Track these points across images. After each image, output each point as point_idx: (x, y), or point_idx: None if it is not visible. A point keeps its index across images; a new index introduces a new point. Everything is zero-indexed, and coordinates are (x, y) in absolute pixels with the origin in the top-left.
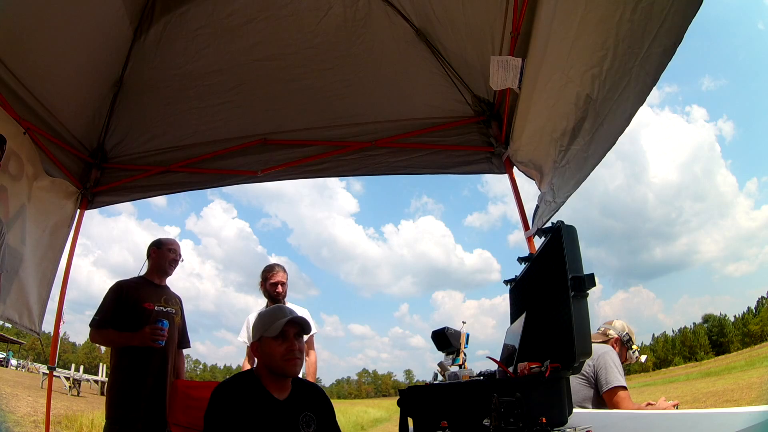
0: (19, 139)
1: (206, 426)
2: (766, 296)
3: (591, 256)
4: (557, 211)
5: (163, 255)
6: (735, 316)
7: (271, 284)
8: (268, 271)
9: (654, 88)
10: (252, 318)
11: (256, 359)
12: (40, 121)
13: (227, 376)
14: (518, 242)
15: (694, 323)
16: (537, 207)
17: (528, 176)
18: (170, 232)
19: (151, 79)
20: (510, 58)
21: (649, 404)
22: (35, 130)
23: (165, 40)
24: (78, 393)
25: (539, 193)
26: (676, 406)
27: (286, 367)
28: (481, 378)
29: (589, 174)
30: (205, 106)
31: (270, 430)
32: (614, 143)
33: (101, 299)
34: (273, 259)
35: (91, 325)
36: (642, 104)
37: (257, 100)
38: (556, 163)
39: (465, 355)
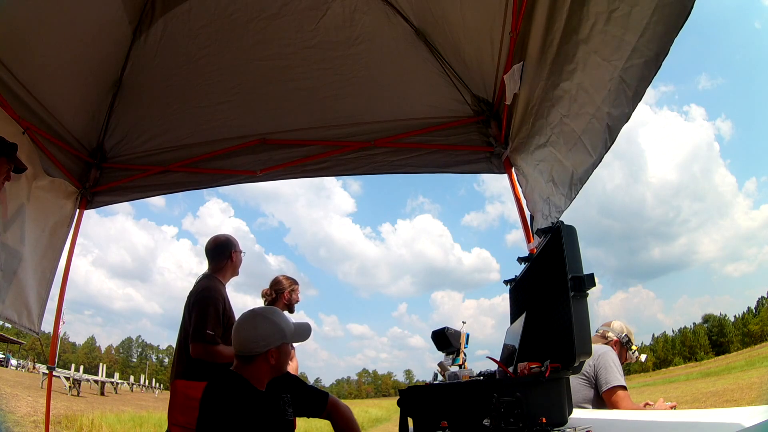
0: (19, 139)
1: (208, 425)
2: (766, 296)
3: (590, 256)
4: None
5: (239, 258)
6: (735, 316)
7: (297, 295)
8: (295, 282)
9: (649, 88)
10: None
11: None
12: (39, 121)
13: None
14: (516, 242)
15: (694, 323)
16: (532, 217)
17: (518, 180)
18: (167, 232)
19: (150, 78)
20: (515, 67)
21: (647, 404)
22: (34, 130)
23: (165, 40)
24: (78, 393)
25: (529, 201)
26: (673, 408)
27: (286, 366)
28: (481, 378)
29: (579, 190)
30: (204, 105)
31: (261, 419)
32: (599, 160)
33: (202, 309)
34: (270, 258)
35: (206, 340)
36: (627, 119)
37: (256, 99)
38: (543, 174)
39: (465, 355)
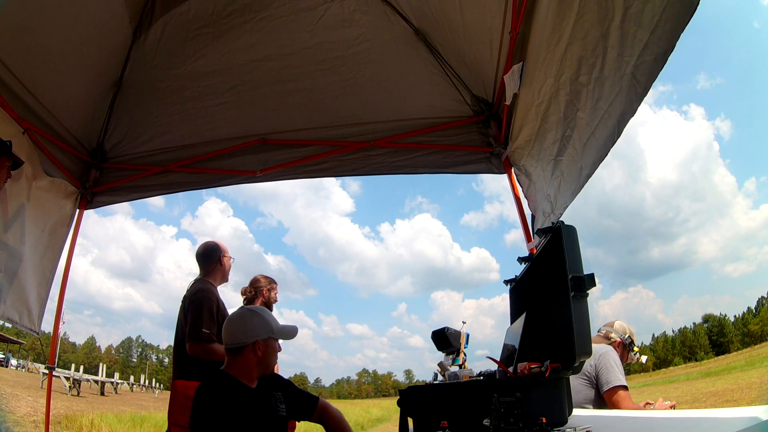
0: (18, 139)
1: (201, 424)
2: (766, 296)
3: (589, 256)
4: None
5: (228, 263)
6: (735, 316)
7: (275, 294)
8: (273, 282)
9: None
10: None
11: (233, 357)
12: (39, 121)
13: None
14: (516, 241)
15: (694, 323)
16: (533, 217)
17: (518, 180)
18: (167, 232)
19: (150, 79)
20: (514, 67)
21: (647, 404)
22: (34, 130)
23: (164, 40)
24: (78, 393)
25: (531, 201)
26: (673, 407)
27: (274, 364)
28: (481, 378)
29: (584, 185)
30: (204, 106)
31: (254, 414)
32: (606, 154)
33: (196, 309)
34: (269, 258)
35: (202, 338)
36: (633, 114)
37: (256, 100)
38: (546, 173)
39: (465, 355)
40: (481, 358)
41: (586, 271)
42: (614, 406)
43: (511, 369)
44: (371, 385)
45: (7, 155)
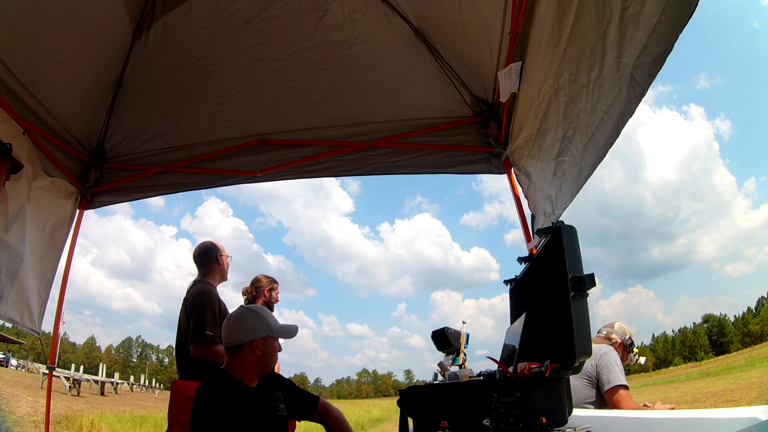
0: (18, 139)
1: (201, 423)
2: (766, 296)
3: (590, 256)
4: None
5: (225, 262)
6: (735, 316)
7: (276, 294)
8: (274, 282)
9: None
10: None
11: (232, 356)
12: (39, 121)
13: None
14: (516, 241)
15: (694, 323)
16: (533, 217)
17: (518, 180)
18: (166, 232)
19: (150, 78)
20: (512, 65)
21: (645, 405)
22: (34, 130)
23: (165, 40)
24: (78, 393)
25: (531, 201)
26: (672, 410)
27: (274, 364)
28: (481, 378)
29: (583, 185)
30: (204, 106)
31: (253, 414)
32: (604, 155)
33: (199, 311)
34: (269, 258)
35: (206, 341)
36: (632, 115)
37: (256, 100)
38: (546, 173)
39: (465, 355)
40: (481, 358)
41: (586, 271)
42: (615, 405)
43: (511, 369)
44: (371, 385)
45: (7, 157)
